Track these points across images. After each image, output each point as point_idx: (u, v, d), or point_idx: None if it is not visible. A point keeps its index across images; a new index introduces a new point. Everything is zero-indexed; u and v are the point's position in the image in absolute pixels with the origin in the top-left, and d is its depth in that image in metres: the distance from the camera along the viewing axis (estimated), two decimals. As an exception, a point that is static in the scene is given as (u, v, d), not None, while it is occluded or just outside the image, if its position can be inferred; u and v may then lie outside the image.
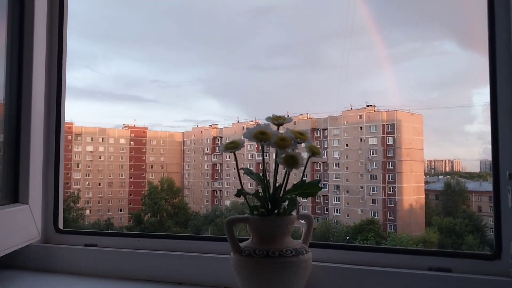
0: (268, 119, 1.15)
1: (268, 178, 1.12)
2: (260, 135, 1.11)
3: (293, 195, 1.11)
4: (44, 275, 1.41)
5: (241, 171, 1.17)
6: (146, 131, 73.86)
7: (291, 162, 1.10)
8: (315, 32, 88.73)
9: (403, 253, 1.18)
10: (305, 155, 1.17)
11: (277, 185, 1.13)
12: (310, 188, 1.11)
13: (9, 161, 1.39)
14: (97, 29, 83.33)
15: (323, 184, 67.98)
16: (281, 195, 1.11)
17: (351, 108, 68.29)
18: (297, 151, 1.14)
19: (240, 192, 1.11)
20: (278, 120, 1.15)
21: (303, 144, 1.14)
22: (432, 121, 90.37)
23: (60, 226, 1.54)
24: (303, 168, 1.15)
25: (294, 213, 1.15)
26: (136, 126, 72.40)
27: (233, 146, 1.14)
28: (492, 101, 1.12)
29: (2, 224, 1.24)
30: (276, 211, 1.11)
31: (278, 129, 1.15)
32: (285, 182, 1.12)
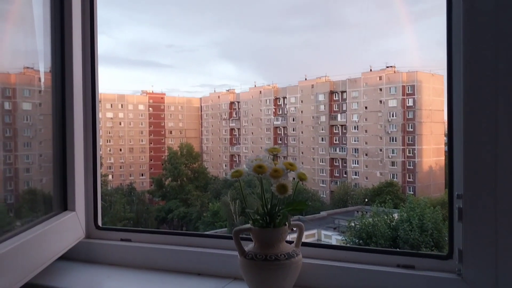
0: (265, 150, 1.38)
1: (266, 197, 1.36)
2: (258, 169, 1.29)
3: (285, 211, 1.36)
4: (88, 266, 1.75)
5: (245, 192, 1.41)
6: (164, 97, 74.36)
7: (282, 190, 1.30)
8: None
9: (377, 253, 1.48)
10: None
11: (273, 203, 1.38)
12: (299, 206, 1.35)
13: (59, 171, 1.69)
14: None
15: (342, 148, 68.13)
16: (276, 210, 1.37)
17: (371, 70, 67.16)
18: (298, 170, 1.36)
19: (244, 211, 1.36)
20: (273, 152, 1.37)
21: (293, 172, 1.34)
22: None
23: (99, 223, 1.86)
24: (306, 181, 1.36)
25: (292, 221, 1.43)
26: (154, 92, 72.88)
27: (238, 175, 1.35)
28: (449, 129, 1.35)
29: (58, 230, 1.56)
30: (272, 223, 1.37)
31: (274, 158, 1.37)
32: (278, 201, 1.37)
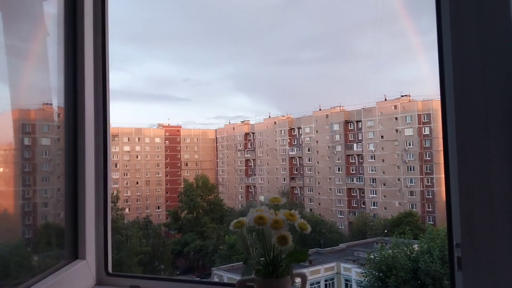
0: (266, 199, 1.42)
1: (268, 247, 1.39)
2: (259, 220, 1.33)
3: (288, 261, 1.38)
4: (99, 311, 1.78)
5: (248, 241, 1.44)
6: (180, 129, 75.24)
7: (283, 241, 1.33)
8: (343, 22, 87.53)
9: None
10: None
11: (275, 253, 1.40)
12: (300, 256, 1.37)
13: (71, 211, 1.75)
14: (128, 31, 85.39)
15: (359, 178, 67.38)
16: (278, 260, 1.39)
17: (385, 99, 67.13)
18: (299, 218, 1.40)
19: (246, 261, 1.39)
20: (275, 202, 1.41)
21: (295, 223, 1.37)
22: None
23: (110, 270, 1.91)
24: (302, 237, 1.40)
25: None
26: (170, 125, 73.87)
27: (240, 226, 1.39)
28: (446, 181, 1.38)
29: (69, 279, 1.62)
30: (275, 273, 1.39)
31: (275, 208, 1.41)
32: (280, 251, 1.39)
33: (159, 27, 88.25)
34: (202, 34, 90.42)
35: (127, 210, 53.52)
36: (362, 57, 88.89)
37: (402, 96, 66.06)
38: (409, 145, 63.59)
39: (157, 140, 69.76)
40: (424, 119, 62.65)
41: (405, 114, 63.75)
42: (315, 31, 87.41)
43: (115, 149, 63.72)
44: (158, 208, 61.80)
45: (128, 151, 65.58)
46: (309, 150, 71.66)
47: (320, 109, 72.68)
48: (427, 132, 62.74)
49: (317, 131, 71.94)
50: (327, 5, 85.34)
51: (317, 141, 71.12)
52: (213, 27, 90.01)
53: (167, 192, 64.83)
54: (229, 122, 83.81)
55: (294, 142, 74.43)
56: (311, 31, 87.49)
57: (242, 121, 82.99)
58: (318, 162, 70.13)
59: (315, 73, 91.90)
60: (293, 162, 72.32)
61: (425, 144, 63.09)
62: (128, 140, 66.41)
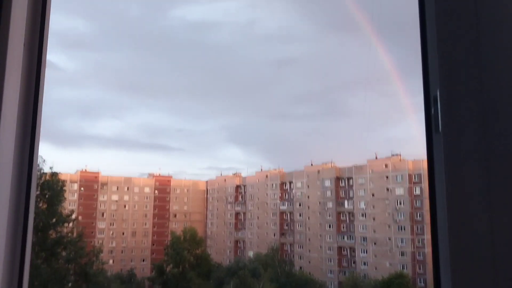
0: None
1: None
2: None
3: None
4: None
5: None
6: (170, 179, 74.48)
7: None
8: (337, 80, 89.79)
9: None
10: None
11: None
12: None
13: None
14: (125, 80, 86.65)
15: (350, 236, 66.39)
16: None
17: (376, 157, 67.59)
18: None
19: None
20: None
21: None
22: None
23: None
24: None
25: None
26: (161, 174, 73.17)
27: None
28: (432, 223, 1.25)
29: None
30: None
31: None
32: None
33: (156, 78, 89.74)
34: (199, 86, 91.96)
35: (111, 261, 51.79)
36: (354, 115, 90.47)
37: (393, 155, 66.65)
38: (400, 204, 63.30)
39: (147, 190, 68.85)
40: (414, 179, 62.82)
41: (396, 173, 63.99)
42: (309, 88, 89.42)
43: (103, 197, 62.66)
44: (143, 261, 59.86)
45: (116, 201, 64.48)
46: (300, 205, 70.99)
47: (312, 164, 72.77)
48: (417, 192, 62.70)
49: (308, 186, 71.58)
50: (322, 64, 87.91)
51: (308, 197, 70.60)
52: (210, 80, 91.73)
53: (153, 244, 63.10)
54: (221, 174, 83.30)
55: (285, 196, 73.79)
56: (305, 88, 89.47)
57: (234, 173, 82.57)
58: (309, 218, 69.30)
59: (307, 128, 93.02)
60: (284, 217, 71.34)
61: (416, 204, 62.82)
62: (117, 189, 65.43)
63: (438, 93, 1.29)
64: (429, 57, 1.42)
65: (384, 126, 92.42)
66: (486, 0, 1.29)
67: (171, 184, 74.11)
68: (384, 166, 65.86)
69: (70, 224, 32.19)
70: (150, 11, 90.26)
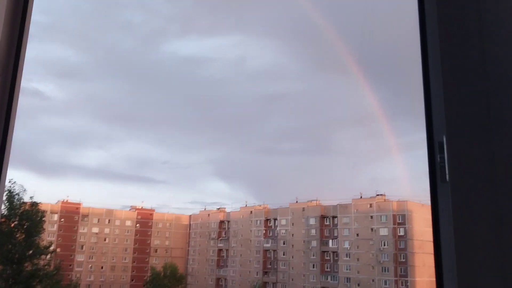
0: None
1: None
2: None
3: None
4: None
5: None
6: (153, 213, 73.17)
7: None
8: (324, 118, 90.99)
9: None
10: None
11: None
12: None
13: None
14: (113, 111, 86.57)
15: (333, 276, 65.51)
16: None
17: (361, 196, 67.73)
18: None
19: None
20: None
21: None
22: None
23: None
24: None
25: None
26: (143, 208, 71.88)
27: None
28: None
29: None
30: None
31: None
32: None
33: (145, 110, 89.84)
34: (187, 119, 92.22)
35: (87, 297, 49.99)
36: (340, 153, 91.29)
37: (378, 195, 66.85)
38: (384, 245, 62.98)
39: (128, 223, 67.45)
40: (399, 220, 62.86)
41: (380, 213, 64.01)
42: (296, 124, 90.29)
43: (84, 229, 61.12)
44: (121, 298, 57.97)
45: (97, 233, 62.96)
46: (284, 244, 70.13)
47: (297, 201, 72.43)
48: (402, 233, 62.61)
49: (293, 224, 70.97)
50: (309, 102, 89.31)
51: (292, 235, 69.91)
52: (199, 113, 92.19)
53: (133, 280, 61.25)
54: (205, 208, 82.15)
55: (269, 233, 72.93)
56: (292, 124, 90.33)
57: (218, 208, 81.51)
58: (293, 257, 68.36)
59: (294, 165, 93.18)
60: (267, 255, 70.22)
61: (400, 245, 62.58)
62: (98, 221, 63.98)
63: (444, 140, 1.22)
64: (432, 99, 1.34)
65: (369, 165, 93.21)
66: (492, 38, 1.24)
67: (154, 217, 72.83)
68: (368, 206, 65.98)
69: (48, 256, 31.24)
70: (142, 44, 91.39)
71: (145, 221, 70.74)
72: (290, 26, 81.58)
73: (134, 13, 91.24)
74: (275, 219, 72.99)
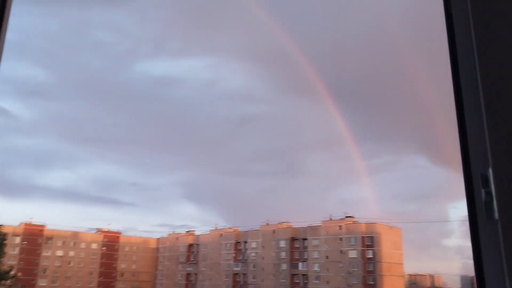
0: None
1: None
2: None
3: None
4: None
5: None
6: (119, 236, 71.43)
7: None
8: (295, 141, 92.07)
9: None
10: None
11: None
12: None
13: None
14: (81, 131, 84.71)
15: (303, 299, 65.06)
16: None
17: (331, 218, 68.38)
18: None
19: None
20: None
21: None
22: (410, 234, 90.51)
23: None
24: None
25: None
26: (110, 230, 70.17)
27: None
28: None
29: None
30: None
31: None
32: None
33: (114, 130, 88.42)
34: (157, 140, 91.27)
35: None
36: (310, 175, 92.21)
37: (347, 217, 67.69)
38: (353, 267, 63.41)
39: (94, 246, 65.47)
40: (367, 242, 63.66)
41: (349, 235, 64.68)
42: (267, 147, 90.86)
43: (47, 253, 58.80)
44: (85, 324, 55.60)
45: (61, 256, 60.62)
46: (254, 267, 69.43)
47: (267, 224, 72.32)
48: (370, 255, 63.34)
49: (263, 247, 70.63)
50: (281, 124, 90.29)
51: (263, 257, 69.46)
52: (169, 134, 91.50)
53: (97, 306, 59.05)
54: (173, 231, 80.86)
55: (239, 257, 72.17)
56: (264, 146, 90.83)
57: (187, 231, 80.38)
58: (263, 281, 67.69)
59: (265, 186, 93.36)
60: (237, 279, 69.30)
61: (369, 268, 63.18)
62: (63, 244, 61.75)
63: (490, 173, 1.07)
64: (468, 128, 1.21)
65: (339, 187, 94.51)
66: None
67: (120, 240, 70.97)
68: (338, 228, 66.49)
69: (8, 282, 29.87)
70: (112, 64, 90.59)
71: (111, 244, 68.77)
72: (262, 50, 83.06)
73: (105, 33, 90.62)
74: (245, 242, 72.40)
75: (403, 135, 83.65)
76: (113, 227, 73.36)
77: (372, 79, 73.86)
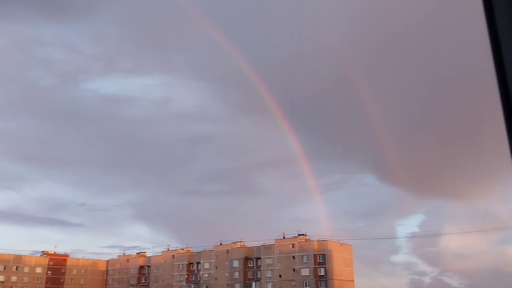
0: None
1: None
2: None
3: None
4: None
5: None
6: (66, 259, 68.58)
7: None
8: (248, 160, 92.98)
9: None
10: None
11: None
12: None
13: None
14: (28, 150, 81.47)
15: (256, 319, 64.96)
16: None
17: (284, 237, 69.24)
18: None
19: None
20: None
21: None
22: (360, 250, 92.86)
23: None
24: None
25: None
26: (56, 253, 67.27)
27: None
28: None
29: None
30: None
31: None
32: None
33: (63, 149, 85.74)
34: (108, 159, 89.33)
35: None
36: (264, 193, 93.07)
37: (300, 235, 68.85)
38: (306, 285, 64.21)
39: (38, 270, 62.29)
40: (319, 259, 64.87)
41: (302, 253, 65.66)
42: (221, 166, 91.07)
43: (-14, 279, 55.31)
44: None
45: (2, 282, 57.22)
46: (207, 288, 68.75)
47: (221, 244, 72.04)
48: (322, 273, 64.49)
49: (216, 267, 70.11)
50: (234, 143, 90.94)
51: (216, 278, 68.88)
52: (120, 153, 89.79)
53: (41, 333, 56.03)
54: (124, 253, 78.68)
55: (192, 278, 71.17)
56: (217, 166, 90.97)
57: (138, 253, 78.44)
58: None
59: (218, 206, 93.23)
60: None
61: (321, 285, 64.19)
62: (4, 269, 58.34)
63: None
64: None
65: (292, 205, 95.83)
66: None
67: (67, 263, 68.25)
68: (291, 246, 67.35)
69: None
70: (61, 82, 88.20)
71: (57, 267, 65.92)
72: (216, 69, 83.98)
73: (55, 50, 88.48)
74: (198, 263, 71.64)
75: (352, 154, 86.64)
76: (60, 249, 70.44)
77: (324, 99, 76.40)
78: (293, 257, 66.72)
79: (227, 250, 69.82)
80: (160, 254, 75.45)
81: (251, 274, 68.41)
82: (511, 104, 1.16)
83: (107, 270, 75.29)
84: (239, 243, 71.16)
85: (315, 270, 64.92)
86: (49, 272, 62.65)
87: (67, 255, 69.51)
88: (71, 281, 66.52)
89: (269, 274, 67.15)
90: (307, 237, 67.54)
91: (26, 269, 59.14)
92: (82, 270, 70.25)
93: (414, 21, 66.40)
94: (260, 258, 68.84)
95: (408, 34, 67.47)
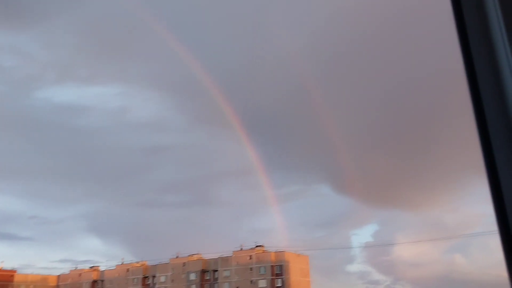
0: None
1: None
2: None
3: None
4: None
5: None
6: (14, 274, 65.46)
7: None
8: (205, 170, 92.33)
9: None
10: None
11: None
12: None
13: None
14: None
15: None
16: None
17: (241, 248, 69.14)
18: None
19: None
20: None
21: None
22: (317, 261, 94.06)
23: None
24: None
25: None
26: (3, 269, 64.10)
27: None
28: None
29: None
30: None
31: None
32: None
33: (12, 159, 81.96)
34: (60, 170, 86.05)
35: None
36: (221, 204, 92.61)
37: (257, 246, 69.00)
38: (263, 297, 64.29)
39: (-18, 287, 59.15)
40: (276, 271, 65.18)
41: (259, 264, 65.76)
42: (177, 177, 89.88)
43: None
44: None
45: None
46: None
47: (177, 256, 70.94)
48: (279, 284, 64.78)
49: (173, 281, 68.94)
50: (191, 154, 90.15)
51: (172, 292, 67.72)
52: (73, 164, 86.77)
53: None
54: (76, 267, 76.07)
55: (147, 292, 69.64)
56: (173, 176, 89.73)
57: (91, 267, 76.02)
58: None
59: (175, 218, 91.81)
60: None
61: (279, 297, 64.48)
62: None
63: None
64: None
65: (249, 216, 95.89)
66: None
67: (15, 279, 65.10)
68: (248, 258, 67.34)
69: None
70: (11, 90, 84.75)
71: (4, 283, 62.77)
72: (174, 79, 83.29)
73: (5, 57, 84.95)
74: (153, 276, 70.24)
75: (309, 165, 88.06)
76: (7, 264, 67.15)
77: (282, 109, 77.30)
78: (251, 268, 66.76)
79: (184, 262, 68.92)
80: (114, 268, 73.42)
81: (208, 287, 67.78)
82: (483, 112, 1.09)
83: (58, 285, 72.43)
84: (196, 256, 70.43)
85: (272, 282, 65.20)
86: (-6, 289, 59.48)
87: (14, 271, 66.33)
88: (18, 298, 63.42)
89: (226, 287, 66.83)
90: (265, 249, 67.78)
91: (-32, 287, 55.90)
92: (31, 286, 67.19)
93: (370, 33, 68.69)
94: (217, 271, 68.41)
95: (366, 44, 69.75)
